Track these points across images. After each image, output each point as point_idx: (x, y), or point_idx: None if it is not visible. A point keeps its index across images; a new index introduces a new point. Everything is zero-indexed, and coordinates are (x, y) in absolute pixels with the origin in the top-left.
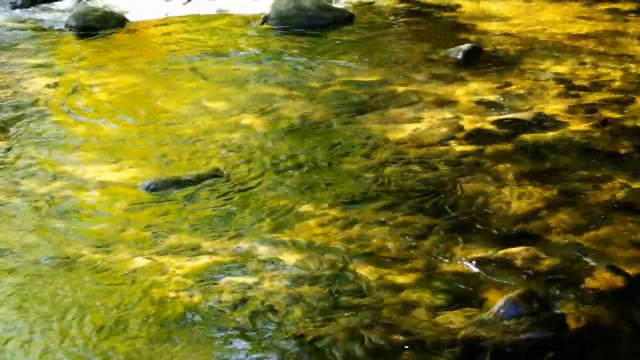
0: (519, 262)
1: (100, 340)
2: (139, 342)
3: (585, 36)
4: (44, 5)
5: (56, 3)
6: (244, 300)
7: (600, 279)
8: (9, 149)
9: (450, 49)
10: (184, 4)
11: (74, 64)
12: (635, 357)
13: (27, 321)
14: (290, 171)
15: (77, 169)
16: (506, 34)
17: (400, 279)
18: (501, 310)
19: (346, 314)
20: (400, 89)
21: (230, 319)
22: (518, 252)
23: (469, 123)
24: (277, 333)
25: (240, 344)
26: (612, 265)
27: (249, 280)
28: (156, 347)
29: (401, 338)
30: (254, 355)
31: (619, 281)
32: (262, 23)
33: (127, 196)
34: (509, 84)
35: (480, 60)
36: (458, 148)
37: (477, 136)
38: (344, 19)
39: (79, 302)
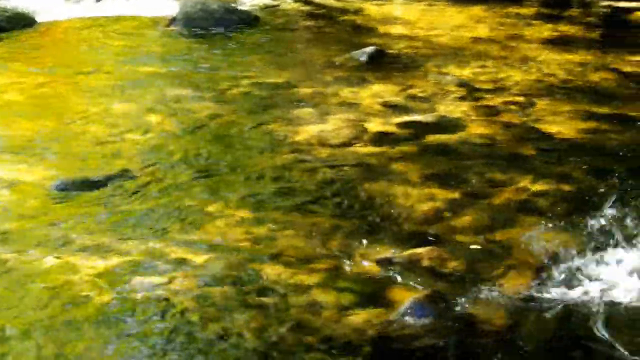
0: (425, 263)
1: (6, 340)
2: (47, 342)
3: (488, 40)
4: None
5: None
6: (152, 300)
7: (506, 280)
8: None
9: (354, 52)
10: (96, 1)
11: None
12: (540, 357)
13: None
14: (198, 172)
15: None
16: (410, 37)
17: (307, 279)
18: (408, 311)
19: (254, 314)
20: (306, 90)
21: (139, 319)
22: (424, 252)
23: (373, 125)
24: (185, 332)
25: (148, 343)
26: (516, 266)
27: (158, 280)
28: (64, 347)
29: (308, 338)
30: (162, 354)
31: (524, 282)
32: (170, 25)
33: (36, 196)
34: (412, 87)
35: (384, 63)
36: (363, 149)
37: (382, 138)
38: (250, 20)
39: None
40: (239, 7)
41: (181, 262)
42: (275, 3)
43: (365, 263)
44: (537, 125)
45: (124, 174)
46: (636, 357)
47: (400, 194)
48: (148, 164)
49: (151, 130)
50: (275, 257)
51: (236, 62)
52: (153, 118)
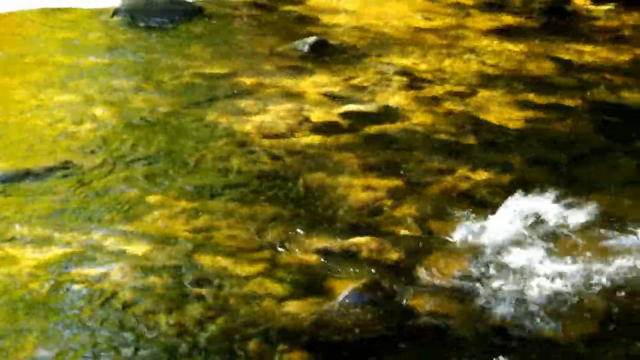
0: (364, 253)
1: None
2: None
3: (430, 30)
4: None
5: None
6: (93, 291)
7: (445, 270)
8: None
9: (296, 42)
10: None
11: None
12: (475, 346)
13: None
14: (140, 162)
15: None
16: (352, 27)
17: (247, 269)
18: (346, 300)
19: (193, 304)
20: (248, 81)
21: (80, 310)
22: (364, 242)
23: (314, 115)
24: (124, 323)
25: (88, 334)
26: (453, 254)
27: (98, 271)
28: (5, 337)
29: (247, 328)
30: (102, 346)
31: (459, 270)
32: (112, 16)
33: None
34: (354, 77)
35: (326, 53)
36: (304, 139)
37: (323, 128)
38: (193, 11)
39: None
40: None
41: (122, 253)
42: None
43: (305, 253)
44: (477, 115)
45: (66, 165)
46: (561, 334)
47: (341, 183)
48: (90, 155)
49: (93, 121)
50: (215, 247)
51: (179, 52)
52: (95, 109)
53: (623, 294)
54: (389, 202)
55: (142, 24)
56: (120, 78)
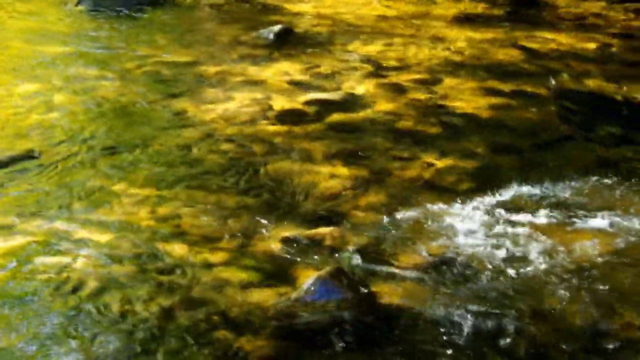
0: (328, 242)
1: None
2: None
3: (395, 18)
4: None
5: None
6: (58, 280)
7: (408, 258)
8: None
9: (261, 30)
10: None
11: None
12: (441, 335)
13: None
14: (104, 151)
15: None
16: (317, 16)
17: (212, 258)
18: (311, 288)
19: (158, 293)
20: (212, 69)
21: (44, 298)
22: (328, 231)
23: (279, 103)
24: (87, 312)
25: (49, 323)
26: (417, 242)
27: (63, 260)
28: None
29: (212, 316)
30: (67, 336)
31: (423, 258)
32: (77, 4)
33: None
34: (319, 65)
35: (291, 42)
36: (269, 128)
37: (288, 116)
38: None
39: None
40: None
41: (85, 241)
42: None
43: (270, 242)
44: (442, 102)
45: (29, 154)
46: (523, 321)
47: (306, 172)
48: (54, 144)
49: (57, 110)
50: (180, 236)
51: (143, 41)
52: (59, 98)
53: (585, 279)
54: (353, 191)
55: (106, 13)
56: (83, 66)
